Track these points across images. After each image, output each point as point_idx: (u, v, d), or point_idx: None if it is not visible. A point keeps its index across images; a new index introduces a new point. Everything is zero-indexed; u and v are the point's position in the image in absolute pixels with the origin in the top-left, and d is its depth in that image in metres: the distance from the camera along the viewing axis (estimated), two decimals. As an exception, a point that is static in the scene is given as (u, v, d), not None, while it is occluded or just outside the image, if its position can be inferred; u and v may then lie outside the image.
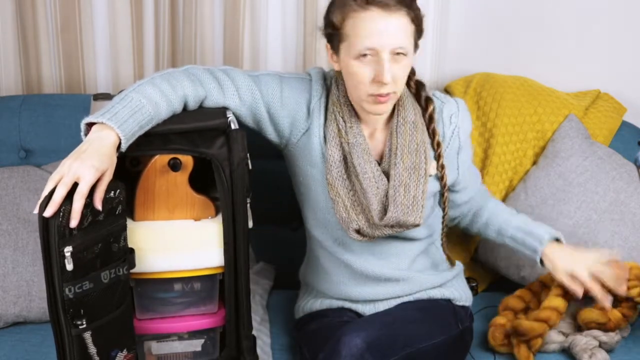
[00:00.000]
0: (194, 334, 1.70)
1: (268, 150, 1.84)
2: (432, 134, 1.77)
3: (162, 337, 1.69)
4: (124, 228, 1.53)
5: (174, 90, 1.63)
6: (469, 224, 1.99)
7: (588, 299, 1.86)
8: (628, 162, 2.20)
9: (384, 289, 1.81)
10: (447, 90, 2.38)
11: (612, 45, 2.42)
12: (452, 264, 1.91)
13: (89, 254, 1.45)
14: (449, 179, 1.82)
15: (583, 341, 1.83)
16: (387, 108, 1.69)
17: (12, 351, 1.87)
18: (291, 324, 1.97)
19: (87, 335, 1.49)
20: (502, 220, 1.94)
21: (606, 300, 1.80)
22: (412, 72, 1.78)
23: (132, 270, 1.58)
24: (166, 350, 1.70)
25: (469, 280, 2.12)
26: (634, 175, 2.17)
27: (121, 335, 1.57)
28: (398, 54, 1.61)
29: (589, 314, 1.87)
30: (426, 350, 1.67)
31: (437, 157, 1.77)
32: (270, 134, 1.79)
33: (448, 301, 1.83)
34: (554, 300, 1.86)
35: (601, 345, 1.84)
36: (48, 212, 1.38)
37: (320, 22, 1.72)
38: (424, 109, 1.77)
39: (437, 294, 1.84)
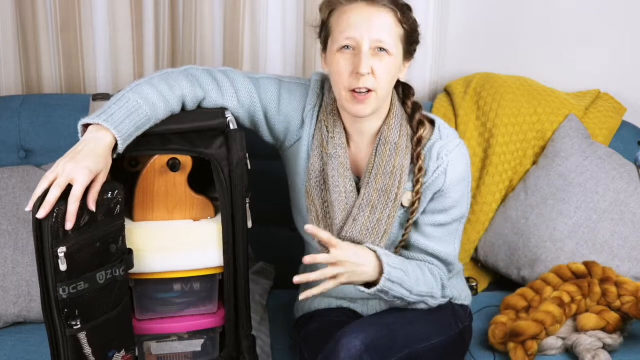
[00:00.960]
0: (193, 334, 1.70)
1: (267, 151, 1.84)
2: (416, 157, 1.69)
3: (161, 337, 1.69)
4: (122, 229, 1.53)
5: (172, 90, 1.62)
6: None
7: None
8: (628, 162, 2.20)
9: None
10: (447, 90, 2.38)
11: (612, 45, 2.42)
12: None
13: (85, 254, 1.45)
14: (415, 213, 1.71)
15: (588, 341, 1.84)
16: (366, 110, 1.62)
17: (12, 351, 1.87)
18: (291, 324, 1.97)
19: (82, 336, 1.49)
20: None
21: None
22: (409, 91, 1.75)
23: (131, 271, 1.58)
24: (166, 351, 1.70)
25: (469, 279, 2.12)
26: (634, 175, 2.17)
27: (119, 335, 1.57)
28: (381, 50, 1.59)
29: (587, 319, 1.88)
30: (425, 351, 1.67)
31: (415, 183, 1.69)
32: (267, 137, 1.79)
33: (448, 299, 1.83)
34: (549, 306, 1.87)
35: (605, 347, 1.84)
36: (41, 214, 1.38)
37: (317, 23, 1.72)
38: (415, 132, 1.71)
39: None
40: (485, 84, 2.30)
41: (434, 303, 1.75)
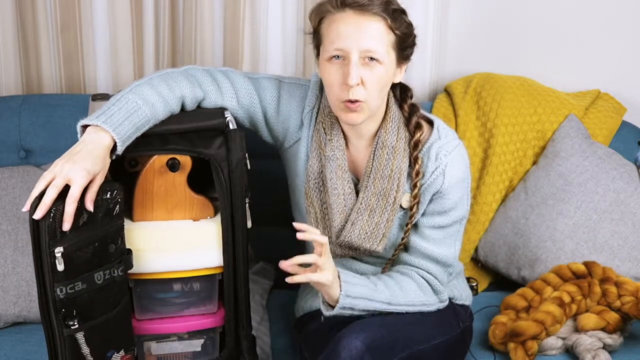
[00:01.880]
0: (193, 334, 1.70)
1: (267, 150, 1.84)
2: (413, 161, 1.69)
3: (161, 337, 1.69)
4: (122, 229, 1.53)
5: (171, 91, 1.62)
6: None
7: None
8: (628, 162, 2.20)
9: None
10: (447, 90, 2.38)
11: (612, 45, 2.42)
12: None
13: (84, 254, 1.45)
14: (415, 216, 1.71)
15: (588, 341, 1.84)
16: (358, 118, 1.61)
17: (12, 351, 1.87)
18: (291, 324, 1.97)
19: (80, 336, 1.49)
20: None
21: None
22: (407, 93, 1.73)
23: (131, 271, 1.58)
24: (166, 351, 1.70)
25: (469, 279, 2.12)
26: (634, 175, 2.17)
27: (118, 335, 1.57)
28: (371, 59, 1.57)
29: (587, 319, 1.87)
30: (426, 351, 1.67)
31: (413, 187, 1.69)
32: (266, 137, 1.79)
33: (448, 300, 1.83)
34: (549, 306, 1.87)
35: (605, 347, 1.84)
36: (38, 215, 1.39)
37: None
38: (412, 135, 1.69)
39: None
40: (485, 84, 2.30)
41: (431, 309, 1.75)
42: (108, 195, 1.48)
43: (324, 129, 1.71)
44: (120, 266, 1.53)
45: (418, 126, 1.70)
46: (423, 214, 1.72)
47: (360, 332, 1.60)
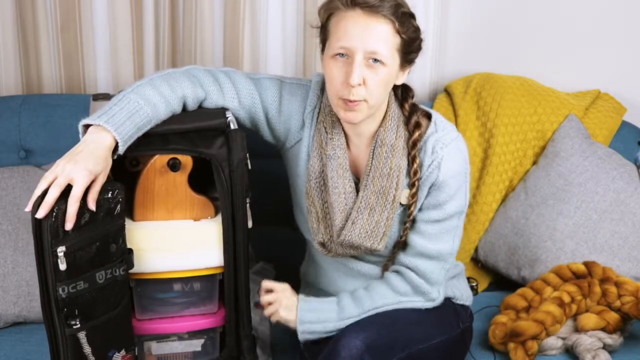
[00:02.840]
0: (194, 334, 1.70)
1: (267, 150, 1.84)
2: (411, 160, 1.69)
3: (162, 337, 1.69)
4: (123, 228, 1.53)
5: (172, 91, 1.62)
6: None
7: None
8: (628, 162, 2.20)
9: None
10: (447, 90, 2.38)
11: (612, 45, 2.42)
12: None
13: (85, 253, 1.45)
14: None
15: (588, 341, 1.84)
16: (357, 117, 1.61)
17: (12, 351, 1.87)
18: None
19: (82, 335, 1.49)
20: (375, 289, 1.75)
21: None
22: (408, 93, 1.73)
23: (132, 271, 1.58)
24: (166, 351, 1.70)
25: (469, 279, 2.12)
26: (634, 175, 2.17)
27: (119, 335, 1.57)
28: (375, 60, 1.57)
29: (587, 319, 1.88)
30: (426, 351, 1.67)
31: (411, 186, 1.69)
32: (267, 137, 1.79)
33: (448, 299, 1.83)
34: (549, 306, 1.87)
35: (605, 347, 1.85)
36: (40, 214, 1.39)
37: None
38: (411, 134, 1.69)
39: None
40: (485, 84, 2.30)
41: (421, 305, 1.75)
42: (109, 195, 1.48)
43: (325, 128, 1.71)
44: (122, 266, 1.53)
45: (417, 126, 1.69)
46: (420, 209, 1.72)
47: (360, 332, 1.60)
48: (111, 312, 1.53)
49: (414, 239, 1.72)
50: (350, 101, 1.59)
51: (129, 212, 1.61)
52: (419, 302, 1.75)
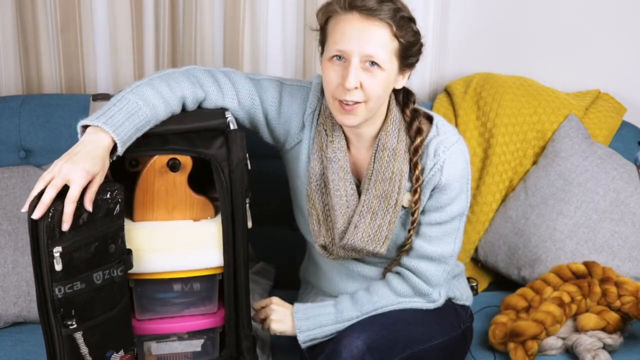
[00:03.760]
0: (193, 334, 1.70)
1: (267, 150, 1.84)
2: (413, 166, 1.68)
3: (161, 337, 1.69)
4: (122, 229, 1.53)
5: (172, 91, 1.62)
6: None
7: None
8: (628, 162, 2.20)
9: None
10: (447, 90, 2.38)
11: (612, 45, 2.42)
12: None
13: (83, 254, 1.45)
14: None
15: (588, 341, 1.84)
16: (354, 120, 1.61)
17: (12, 351, 1.87)
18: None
19: (79, 336, 1.49)
20: (377, 292, 1.76)
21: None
22: (410, 98, 1.72)
23: (131, 271, 1.58)
24: (166, 351, 1.70)
25: (469, 279, 2.12)
26: (634, 175, 2.17)
27: (117, 336, 1.57)
28: (372, 63, 1.56)
29: (588, 319, 1.88)
30: (427, 351, 1.67)
31: (414, 192, 1.68)
32: (267, 138, 1.79)
33: (448, 300, 1.83)
34: (549, 306, 1.87)
35: (605, 347, 1.85)
36: (36, 214, 1.39)
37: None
38: (412, 140, 1.68)
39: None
40: (485, 84, 2.30)
41: (421, 306, 1.75)
42: (108, 196, 1.48)
43: (325, 130, 1.70)
44: (120, 266, 1.53)
45: (419, 132, 1.69)
46: (421, 212, 1.72)
47: (361, 332, 1.60)
48: (109, 313, 1.53)
49: (415, 241, 1.72)
50: (347, 104, 1.58)
51: (129, 212, 1.61)
52: (419, 303, 1.75)
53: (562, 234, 2.11)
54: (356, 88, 1.57)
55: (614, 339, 1.86)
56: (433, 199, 1.69)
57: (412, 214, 1.69)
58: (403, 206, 1.70)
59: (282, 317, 1.76)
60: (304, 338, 1.73)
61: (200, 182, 1.66)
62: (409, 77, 1.68)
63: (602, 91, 2.40)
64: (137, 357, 1.66)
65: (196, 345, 1.71)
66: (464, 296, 1.87)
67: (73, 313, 1.47)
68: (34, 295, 1.93)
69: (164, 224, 1.63)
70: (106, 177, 1.49)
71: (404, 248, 1.73)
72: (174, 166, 1.59)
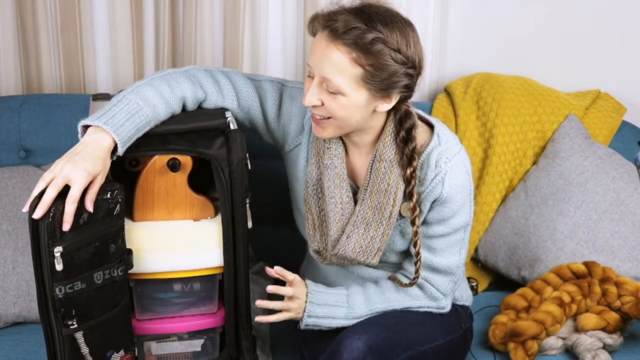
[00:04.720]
0: (193, 334, 1.70)
1: (267, 150, 1.84)
2: (407, 181, 1.62)
3: (161, 337, 1.69)
4: (122, 228, 1.53)
5: (172, 91, 1.62)
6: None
7: None
8: (628, 162, 2.20)
9: None
10: (447, 90, 2.38)
11: (612, 45, 2.42)
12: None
13: (84, 254, 1.45)
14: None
15: (588, 341, 1.84)
16: (323, 133, 1.60)
17: (12, 351, 1.87)
18: (291, 324, 1.96)
19: (79, 335, 1.49)
20: (384, 292, 1.74)
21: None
22: (405, 123, 1.62)
23: (131, 271, 1.58)
24: (166, 351, 1.70)
25: (469, 279, 2.12)
26: (634, 175, 2.17)
27: (117, 335, 1.57)
28: (329, 90, 1.53)
29: (587, 319, 1.88)
30: (428, 352, 1.67)
31: (410, 195, 1.62)
32: (266, 139, 1.79)
33: (450, 306, 1.83)
34: (549, 306, 1.87)
35: (605, 347, 1.85)
36: (37, 214, 1.39)
37: None
38: (403, 169, 1.62)
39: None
40: (485, 84, 2.30)
41: (429, 310, 1.75)
42: (108, 195, 1.48)
43: None
44: (120, 266, 1.53)
45: (411, 160, 1.62)
46: (423, 223, 1.69)
47: (362, 333, 1.60)
48: (109, 313, 1.53)
49: (421, 253, 1.69)
50: (316, 117, 1.58)
51: (129, 212, 1.61)
52: (427, 308, 1.74)
53: (562, 234, 2.11)
54: (314, 107, 1.56)
55: (614, 339, 1.86)
56: (435, 212, 1.67)
57: (412, 223, 1.65)
58: (402, 215, 1.69)
59: (298, 307, 1.69)
60: (309, 322, 1.69)
61: (201, 182, 1.66)
62: (401, 101, 1.60)
63: (602, 91, 2.40)
64: (137, 357, 1.66)
65: (196, 345, 1.71)
66: (463, 296, 1.87)
67: (74, 313, 1.47)
68: (34, 295, 1.93)
69: (164, 223, 1.63)
70: (106, 177, 1.49)
71: (416, 264, 1.68)
72: (174, 166, 1.59)
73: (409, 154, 1.62)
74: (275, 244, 2.20)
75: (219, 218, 1.63)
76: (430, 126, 1.70)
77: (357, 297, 1.72)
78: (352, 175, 1.72)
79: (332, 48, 1.51)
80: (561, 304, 1.89)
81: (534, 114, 2.25)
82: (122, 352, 1.58)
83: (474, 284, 2.17)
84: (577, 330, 1.89)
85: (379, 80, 1.52)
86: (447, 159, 1.63)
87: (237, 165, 1.59)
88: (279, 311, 1.70)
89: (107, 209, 1.48)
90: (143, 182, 1.60)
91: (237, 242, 1.63)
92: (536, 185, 2.19)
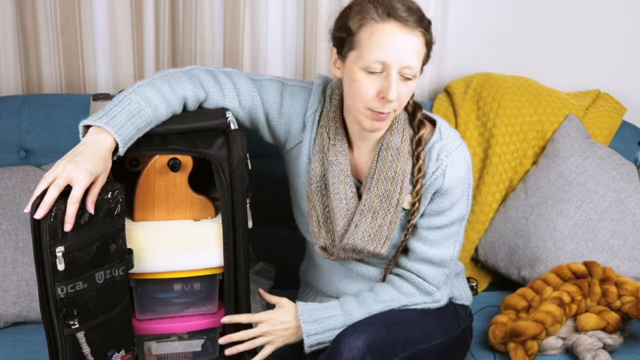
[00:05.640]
0: (193, 334, 1.70)
1: (268, 150, 1.84)
2: (415, 158, 1.68)
3: (162, 337, 1.69)
4: (123, 228, 1.53)
5: (173, 91, 1.62)
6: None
7: None
8: (628, 162, 2.20)
9: None
10: (447, 90, 2.38)
11: (612, 45, 2.42)
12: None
13: (85, 254, 1.45)
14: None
15: (588, 341, 1.84)
16: (383, 126, 1.62)
17: (12, 351, 1.87)
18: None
19: (81, 335, 1.49)
20: (382, 292, 1.75)
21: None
22: (417, 110, 1.72)
23: (132, 271, 1.58)
24: (166, 351, 1.70)
25: (469, 279, 2.12)
26: (634, 175, 2.17)
27: (118, 335, 1.57)
28: (407, 76, 1.55)
29: (588, 319, 1.88)
30: (427, 351, 1.67)
31: (415, 183, 1.67)
32: (268, 139, 1.79)
33: (448, 299, 1.83)
34: (549, 306, 1.87)
35: (605, 347, 1.85)
36: (39, 214, 1.39)
37: (324, 24, 1.69)
38: (415, 132, 1.69)
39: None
40: (485, 84, 2.30)
41: (425, 306, 1.75)
42: (109, 195, 1.48)
43: (328, 133, 1.70)
44: (121, 266, 1.53)
45: (422, 123, 1.69)
46: (421, 215, 1.71)
47: (361, 333, 1.60)
48: (110, 312, 1.53)
49: (415, 244, 1.72)
50: (382, 113, 1.58)
51: (129, 212, 1.61)
52: (424, 304, 1.75)
53: (562, 234, 2.11)
54: (390, 102, 1.56)
55: (614, 339, 1.86)
56: (434, 203, 1.69)
57: (412, 214, 1.69)
58: (403, 208, 1.70)
59: (284, 333, 1.71)
60: (312, 342, 1.70)
61: (201, 182, 1.66)
62: None
63: (602, 91, 2.41)
64: (137, 357, 1.66)
65: (196, 345, 1.71)
66: (463, 296, 1.87)
67: (75, 313, 1.47)
68: (34, 295, 1.94)
69: (165, 223, 1.63)
70: (107, 177, 1.49)
71: (400, 248, 1.73)
72: (174, 166, 1.59)
73: (417, 140, 1.68)
74: (275, 244, 2.20)
75: (219, 218, 1.63)
76: (432, 122, 1.73)
77: (351, 303, 1.72)
78: (354, 172, 1.73)
79: (410, 35, 1.55)
80: (561, 304, 1.89)
81: (534, 114, 2.25)
82: (122, 352, 1.58)
83: (474, 284, 2.17)
84: (577, 330, 1.89)
85: (428, 57, 1.62)
86: (449, 152, 1.67)
87: (238, 165, 1.59)
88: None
89: (107, 209, 1.48)
90: (143, 182, 1.60)
91: (238, 242, 1.63)
92: (536, 185, 2.19)
